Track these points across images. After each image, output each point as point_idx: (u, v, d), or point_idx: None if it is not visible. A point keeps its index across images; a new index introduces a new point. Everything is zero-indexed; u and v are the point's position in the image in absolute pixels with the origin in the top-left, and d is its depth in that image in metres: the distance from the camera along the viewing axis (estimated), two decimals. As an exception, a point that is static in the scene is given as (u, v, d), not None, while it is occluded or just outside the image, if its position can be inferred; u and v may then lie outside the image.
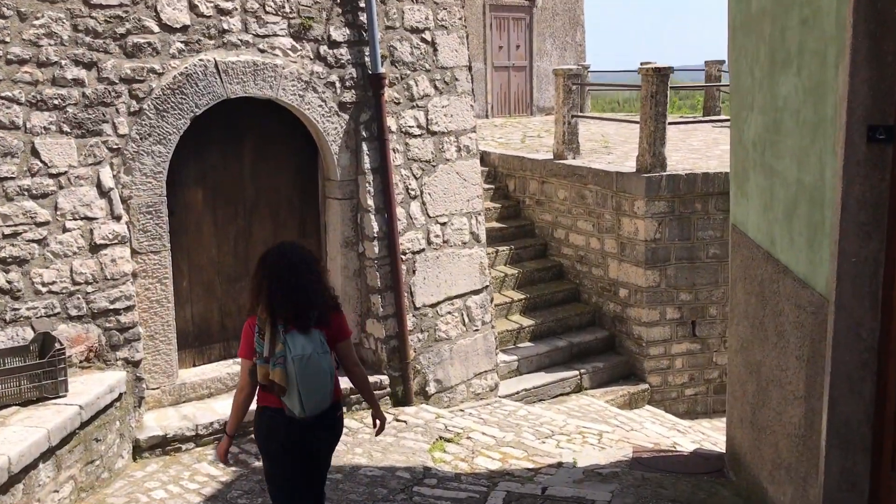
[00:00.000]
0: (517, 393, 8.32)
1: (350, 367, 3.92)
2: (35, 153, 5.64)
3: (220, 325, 6.93)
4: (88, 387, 5.51)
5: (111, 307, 5.93)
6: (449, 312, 7.67)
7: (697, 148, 11.73)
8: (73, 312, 5.79)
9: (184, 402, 6.55)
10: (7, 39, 5.49)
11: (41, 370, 5.23)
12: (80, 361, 5.79)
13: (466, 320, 7.80)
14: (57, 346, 5.34)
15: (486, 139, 12.74)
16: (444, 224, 7.64)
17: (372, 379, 7.06)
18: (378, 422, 4.12)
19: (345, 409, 6.56)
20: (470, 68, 7.80)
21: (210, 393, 6.65)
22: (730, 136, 5.86)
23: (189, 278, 6.76)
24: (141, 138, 6.08)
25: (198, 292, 6.82)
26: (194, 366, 6.87)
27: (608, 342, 9.57)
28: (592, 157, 10.58)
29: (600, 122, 14.85)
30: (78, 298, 5.80)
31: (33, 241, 5.63)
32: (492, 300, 8.13)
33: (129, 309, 6.02)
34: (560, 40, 18.11)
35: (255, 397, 3.79)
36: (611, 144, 12.23)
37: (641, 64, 11.51)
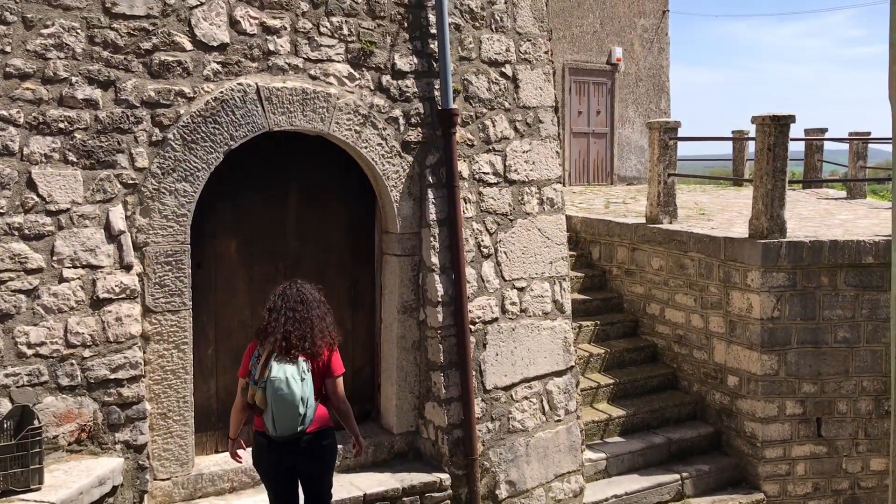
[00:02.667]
0: (606, 500, 6.84)
1: (335, 403, 4.36)
2: (31, 185, 4.66)
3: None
4: (71, 477, 4.36)
5: (112, 377, 4.82)
6: (525, 397, 6.35)
7: (810, 217, 10.30)
8: (65, 382, 4.69)
9: (200, 497, 5.35)
10: (7, 49, 4.59)
11: (10, 455, 4.11)
12: (69, 444, 4.67)
13: (547, 408, 6.46)
14: (36, 423, 4.23)
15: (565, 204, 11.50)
16: (521, 289, 6.39)
17: (430, 478, 5.80)
18: (357, 446, 4.56)
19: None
20: (556, 109, 6.66)
21: (233, 487, 5.44)
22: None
23: (216, 345, 5.65)
24: (163, 173, 5.07)
25: (225, 362, 5.69)
26: (216, 452, 5.69)
27: (713, 440, 8.04)
28: (691, 223, 9.24)
29: (690, 191, 13.72)
30: (71, 364, 4.71)
31: (20, 291, 4.60)
32: (577, 384, 6.77)
33: (134, 379, 4.90)
34: (643, 107, 17.03)
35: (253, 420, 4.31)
36: (707, 212, 10.86)
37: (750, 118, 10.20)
